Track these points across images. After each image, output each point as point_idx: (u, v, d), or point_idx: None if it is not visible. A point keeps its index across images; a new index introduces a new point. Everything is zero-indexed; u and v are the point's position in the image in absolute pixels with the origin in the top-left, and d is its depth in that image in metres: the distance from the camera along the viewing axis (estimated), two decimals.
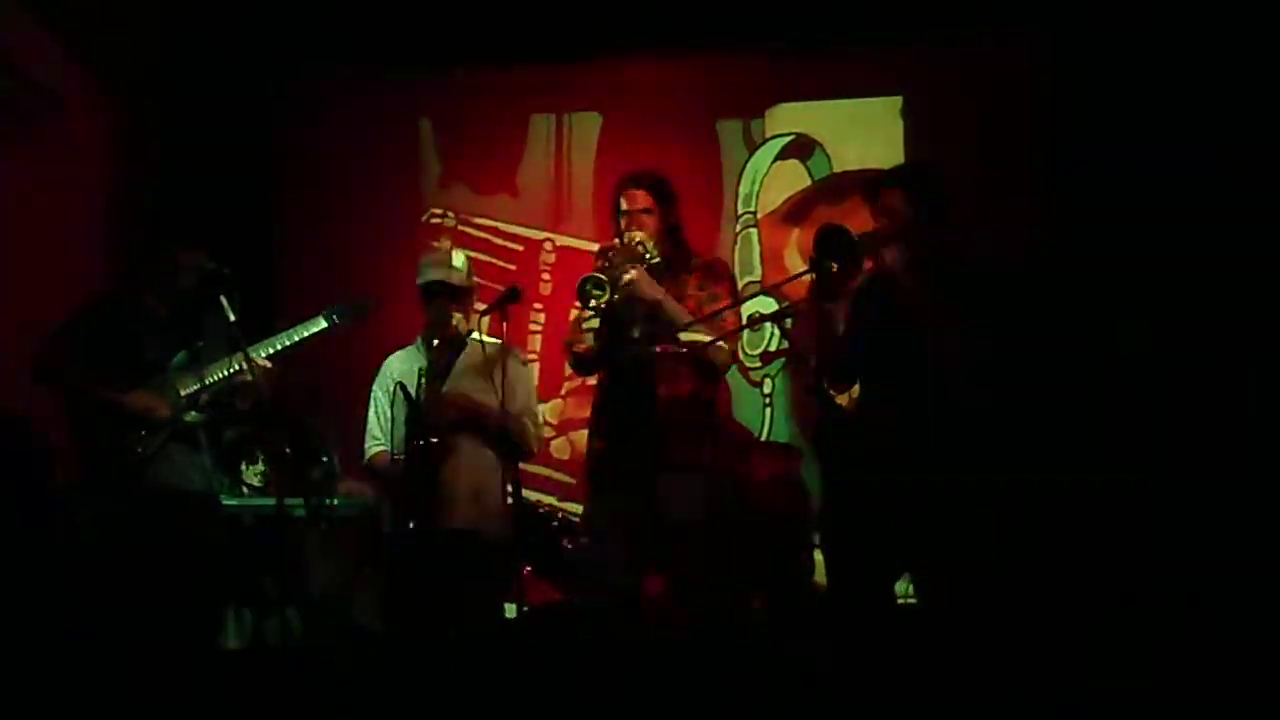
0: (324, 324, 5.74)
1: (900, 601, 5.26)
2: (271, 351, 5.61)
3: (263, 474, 6.84)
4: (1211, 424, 6.37)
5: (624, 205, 5.44)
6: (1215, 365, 6.44)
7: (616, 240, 5.40)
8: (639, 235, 5.35)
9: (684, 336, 5.25)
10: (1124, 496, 6.10)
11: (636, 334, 5.39)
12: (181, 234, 5.60)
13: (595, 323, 5.34)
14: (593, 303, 5.20)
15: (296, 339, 5.69)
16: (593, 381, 5.70)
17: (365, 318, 5.87)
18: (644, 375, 5.36)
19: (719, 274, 5.52)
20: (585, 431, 5.70)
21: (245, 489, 6.81)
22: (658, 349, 5.34)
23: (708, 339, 5.24)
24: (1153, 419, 6.15)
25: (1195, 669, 5.10)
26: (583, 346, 5.43)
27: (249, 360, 5.39)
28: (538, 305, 7.92)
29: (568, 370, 6.95)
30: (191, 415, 5.53)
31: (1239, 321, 6.47)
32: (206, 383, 5.53)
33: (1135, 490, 6.12)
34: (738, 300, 5.64)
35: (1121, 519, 6.13)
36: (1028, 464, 5.58)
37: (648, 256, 5.32)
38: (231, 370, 5.52)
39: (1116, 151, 7.00)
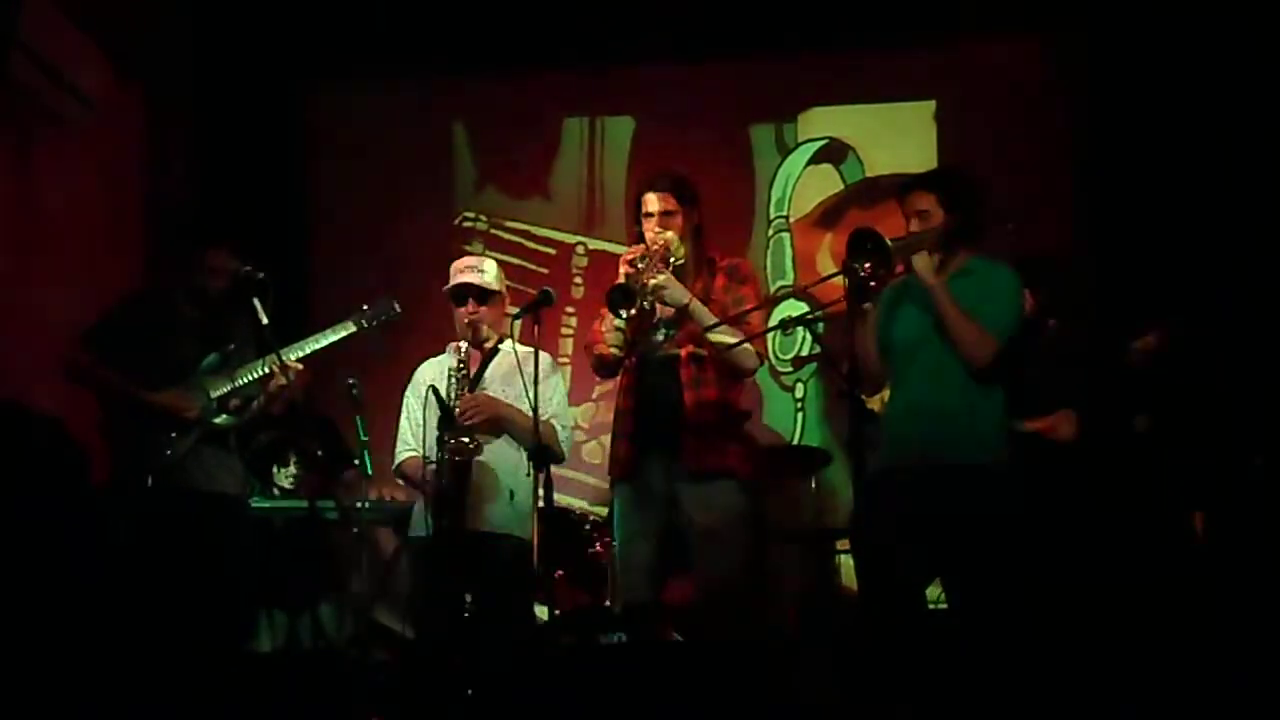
0: (353, 327, 5.74)
1: (931, 607, 5.24)
2: (301, 355, 5.61)
3: (294, 476, 6.86)
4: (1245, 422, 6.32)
5: (646, 208, 5.37)
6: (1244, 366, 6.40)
7: (642, 245, 5.36)
8: (667, 234, 5.29)
9: (710, 338, 5.22)
10: (1157, 498, 6.04)
11: (661, 337, 5.36)
12: (212, 236, 5.62)
13: (621, 323, 5.28)
14: (623, 313, 5.15)
15: (325, 343, 5.68)
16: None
17: (394, 321, 5.86)
18: (669, 379, 5.33)
19: (744, 276, 5.44)
20: None
21: (277, 491, 6.82)
22: (683, 352, 5.31)
23: (734, 342, 5.22)
24: (1184, 415, 6.08)
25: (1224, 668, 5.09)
26: (608, 349, 5.38)
27: (281, 363, 5.39)
28: (570, 309, 7.92)
29: None
30: (222, 418, 5.54)
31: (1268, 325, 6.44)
32: (237, 384, 5.54)
33: (1169, 491, 6.06)
34: (764, 302, 5.61)
35: (1154, 521, 6.06)
36: (1056, 466, 5.56)
37: (673, 260, 5.29)
38: (263, 373, 5.52)
39: (1148, 156, 6.98)
